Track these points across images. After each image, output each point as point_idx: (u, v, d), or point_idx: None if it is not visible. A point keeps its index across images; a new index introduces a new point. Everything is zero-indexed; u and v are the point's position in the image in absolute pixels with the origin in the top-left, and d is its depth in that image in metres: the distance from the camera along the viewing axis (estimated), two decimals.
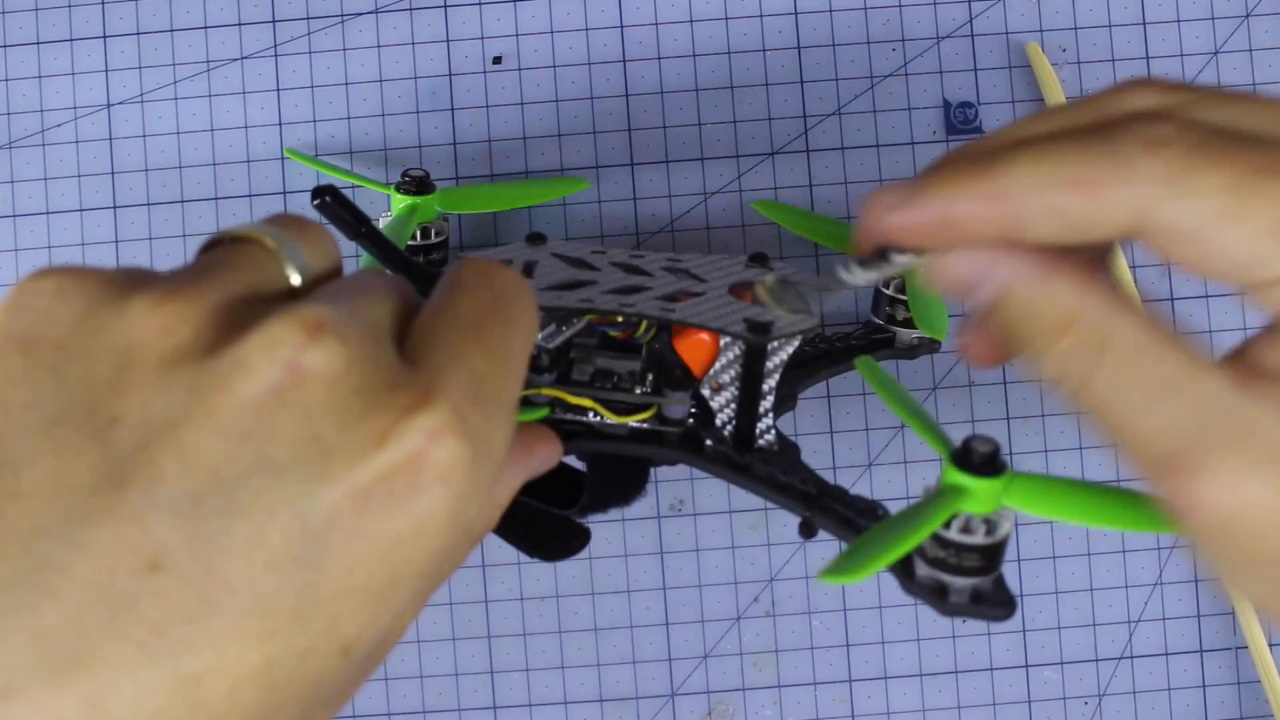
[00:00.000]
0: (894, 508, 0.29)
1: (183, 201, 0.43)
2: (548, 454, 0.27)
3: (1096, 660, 0.42)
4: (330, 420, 0.18)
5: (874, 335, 0.38)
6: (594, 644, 0.42)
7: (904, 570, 0.28)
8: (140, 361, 0.18)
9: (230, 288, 0.20)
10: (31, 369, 0.18)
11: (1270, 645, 0.40)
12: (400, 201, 0.39)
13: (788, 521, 0.42)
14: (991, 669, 0.42)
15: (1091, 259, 0.22)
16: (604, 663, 0.42)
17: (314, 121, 0.43)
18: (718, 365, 0.31)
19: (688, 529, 0.42)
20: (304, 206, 0.43)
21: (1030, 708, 0.42)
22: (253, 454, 0.18)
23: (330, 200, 0.30)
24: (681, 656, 0.42)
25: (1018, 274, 0.20)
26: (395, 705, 0.42)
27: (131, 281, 0.19)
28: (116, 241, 0.43)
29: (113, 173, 0.43)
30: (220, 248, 0.21)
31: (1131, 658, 0.42)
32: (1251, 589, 0.20)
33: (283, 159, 0.43)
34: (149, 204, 0.43)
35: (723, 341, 0.31)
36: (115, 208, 0.43)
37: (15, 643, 0.17)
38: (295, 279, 0.21)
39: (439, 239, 0.39)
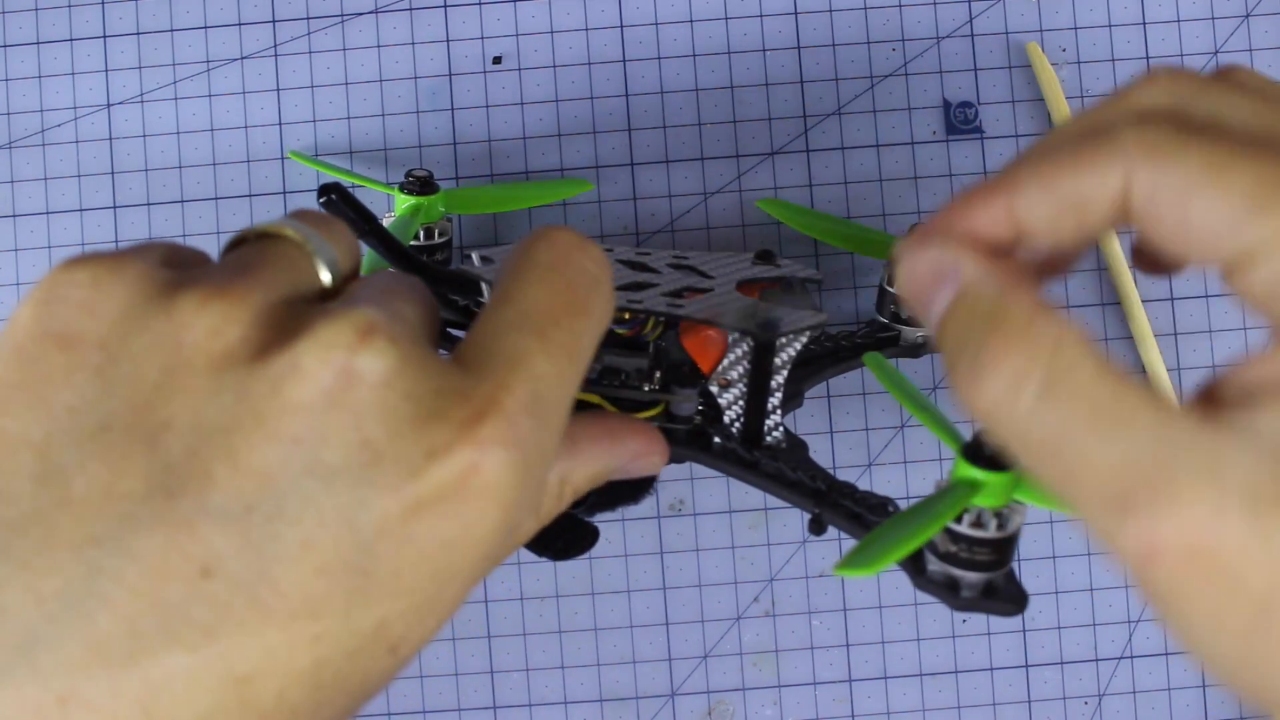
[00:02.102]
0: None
1: (183, 201, 0.43)
2: (649, 462, 0.25)
3: (1096, 660, 0.42)
4: (381, 425, 0.18)
5: (878, 334, 0.38)
6: (594, 644, 0.42)
7: (915, 566, 0.28)
8: (189, 364, 0.18)
9: (274, 286, 0.19)
10: (73, 368, 0.18)
11: None
12: (404, 202, 0.38)
13: (787, 521, 0.42)
14: (991, 669, 0.42)
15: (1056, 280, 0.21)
16: (604, 663, 0.42)
17: (314, 121, 0.43)
18: (726, 362, 0.31)
19: (688, 529, 0.42)
20: (304, 206, 0.43)
21: (1030, 708, 0.42)
22: (304, 459, 0.18)
23: (337, 198, 0.30)
24: (681, 656, 0.42)
25: (975, 274, 0.19)
26: (395, 705, 0.42)
27: (174, 276, 0.19)
28: (116, 241, 0.43)
29: (113, 173, 0.43)
30: (251, 244, 0.21)
31: (1131, 658, 0.42)
32: (1213, 641, 0.18)
33: (283, 159, 0.43)
34: (149, 204, 0.43)
35: (731, 338, 0.31)
36: (115, 208, 0.43)
37: (70, 650, 0.17)
38: (326, 277, 0.21)
39: (442, 239, 0.39)
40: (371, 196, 0.42)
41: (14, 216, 0.43)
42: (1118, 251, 0.42)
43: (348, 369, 0.18)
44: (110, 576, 0.17)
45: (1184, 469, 0.17)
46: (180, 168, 0.43)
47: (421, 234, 0.39)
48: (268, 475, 0.17)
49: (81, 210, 0.43)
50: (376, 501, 0.18)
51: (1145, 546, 0.17)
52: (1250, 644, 0.17)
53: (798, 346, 0.31)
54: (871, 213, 0.43)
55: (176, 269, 0.20)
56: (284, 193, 0.43)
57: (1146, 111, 0.19)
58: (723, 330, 0.31)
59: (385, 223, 0.39)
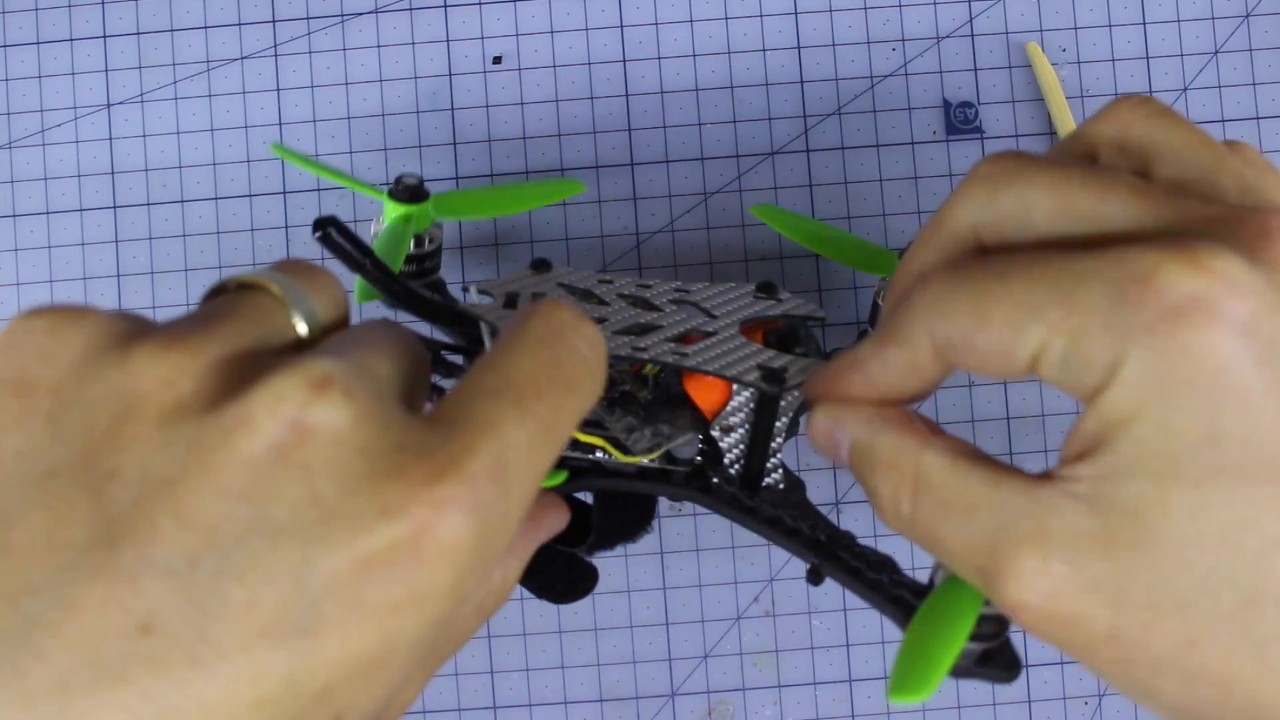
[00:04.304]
0: None
1: (183, 201, 0.43)
2: (555, 523, 0.26)
3: None
4: (333, 481, 0.17)
5: None
6: (594, 644, 0.42)
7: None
8: (140, 414, 0.18)
9: (235, 338, 0.19)
10: (25, 413, 0.18)
11: None
12: (394, 210, 0.37)
13: None
14: None
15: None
16: (604, 663, 0.42)
17: (314, 121, 0.43)
18: (729, 407, 0.31)
19: (688, 529, 0.42)
20: (303, 206, 0.43)
21: (1030, 708, 0.42)
22: (251, 514, 0.17)
23: (332, 232, 0.29)
24: (681, 656, 0.42)
25: (853, 429, 0.23)
26: None
27: (132, 328, 0.19)
28: (116, 241, 0.43)
29: (113, 173, 0.43)
30: (225, 295, 0.21)
31: None
32: (1102, 674, 0.21)
33: (283, 159, 0.43)
34: (149, 204, 0.43)
35: (735, 386, 0.31)
36: (115, 208, 0.43)
37: None
38: (302, 328, 0.21)
39: (432, 247, 0.38)
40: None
41: (14, 216, 0.43)
42: None
43: (299, 422, 0.17)
44: (45, 628, 0.16)
45: (1015, 538, 0.20)
46: (180, 168, 0.43)
47: (411, 242, 0.38)
48: (213, 530, 0.17)
49: (81, 210, 0.43)
50: (325, 560, 0.17)
51: (1008, 609, 0.20)
52: (1126, 672, 0.20)
53: (799, 392, 0.31)
54: (871, 213, 0.43)
55: (140, 326, 0.19)
56: (284, 193, 0.43)
57: (926, 269, 0.23)
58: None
59: (376, 230, 0.39)
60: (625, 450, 0.30)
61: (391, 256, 0.36)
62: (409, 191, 0.37)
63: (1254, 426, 0.18)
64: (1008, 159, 0.22)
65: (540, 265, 0.32)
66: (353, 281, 0.31)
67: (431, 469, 0.18)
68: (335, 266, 0.29)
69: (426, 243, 0.38)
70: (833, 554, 0.30)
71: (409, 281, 0.32)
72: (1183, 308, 0.18)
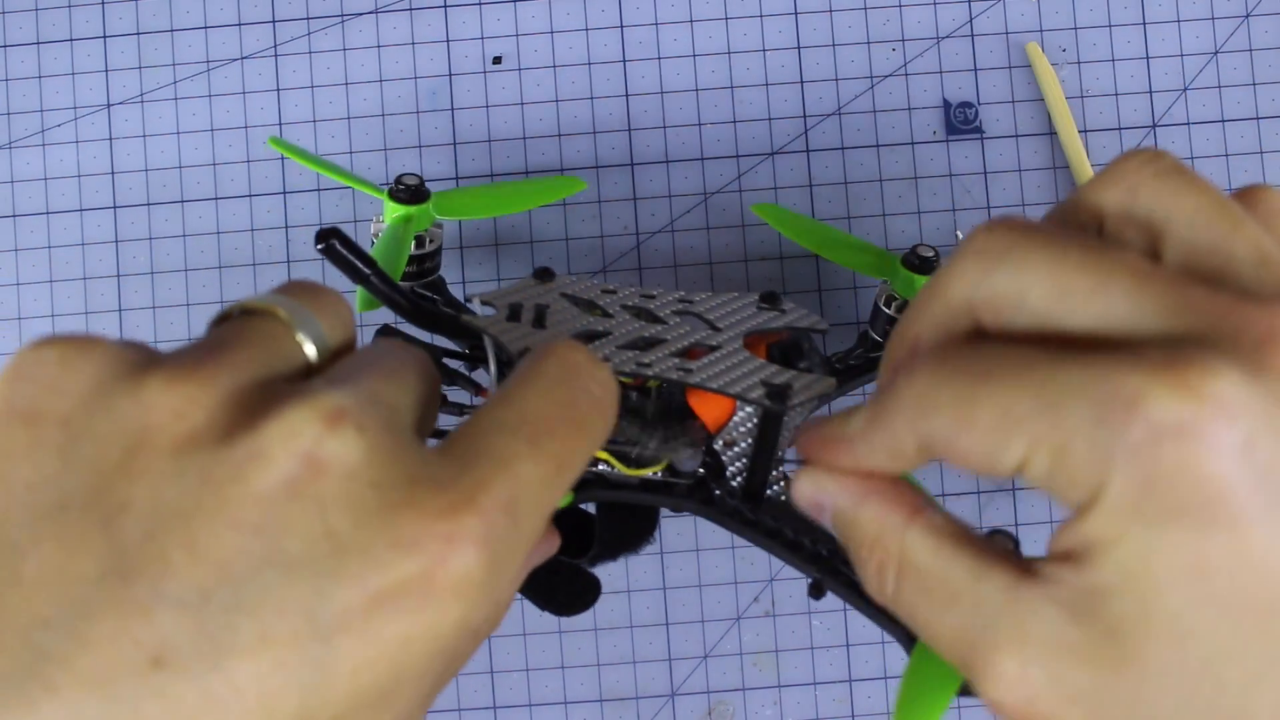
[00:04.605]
0: None
1: (183, 201, 0.43)
2: (546, 550, 0.26)
3: None
4: (346, 515, 0.17)
5: (872, 353, 0.38)
6: (594, 644, 0.42)
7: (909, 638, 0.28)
8: (152, 446, 0.18)
9: (245, 367, 0.19)
10: (35, 445, 0.18)
11: None
12: (394, 210, 0.37)
13: None
14: None
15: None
16: (604, 663, 0.42)
17: (314, 121, 0.43)
18: (733, 421, 0.31)
19: (688, 529, 0.42)
20: (303, 206, 0.43)
21: None
22: (264, 548, 0.17)
23: (335, 244, 0.29)
24: (681, 656, 0.42)
25: (838, 500, 0.23)
26: None
27: (141, 358, 0.19)
28: (116, 241, 0.43)
29: (113, 173, 0.43)
30: (233, 321, 0.21)
31: None
32: None
33: (283, 159, 0.43)
34: (149, 204, 0.43)
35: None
36: (115, 208, 0.43)
37: None
38: (311, 352, 0.21)
39: (432, 247, 0.38)
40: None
41: (14, 216, 0.43)
42: None
43: (313, 456, 0.18)
44: (57, 661, 0.16)
45: (995, 637, 0.20)
46: (180, 168, 0.43)
47: (412, 242, 0.38)
48: (226, 564, 0.17)
49: (81, 210, 0.43)
50: (338, 594, 0.17)
51: (987, 703, 0.20)
52: None
53: (806, 409, 0.31)
54: (871, 213, 0.43)
55: (150, 356, 0.19)
56: (284, 193, 0.43)
57: (921, 341, 0.22)
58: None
59: (376, 230, 0.39)
60: (629, 463, 0.30)
61: (393, 260, 0.36)
62: (409, 191, 0.37)
63: (1242, 557, 0.18)
64: (1003, 231, 0.21)
65: (543, 274, 0.32)
66: (354, 291, 0.31)
67: (444, 503, 0.18)
68: (335, 274, 0.29)
69: (427, 243, 0.38)
70: (834, 568, 0.30)
71: (412, 289, 0.32)
72: (1168, 433, 0.17)
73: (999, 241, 0.21)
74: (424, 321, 0.31)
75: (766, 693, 0.42)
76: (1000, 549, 0.21)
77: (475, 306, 0.30)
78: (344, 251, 0.29)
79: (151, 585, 0.17)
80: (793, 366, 0.29)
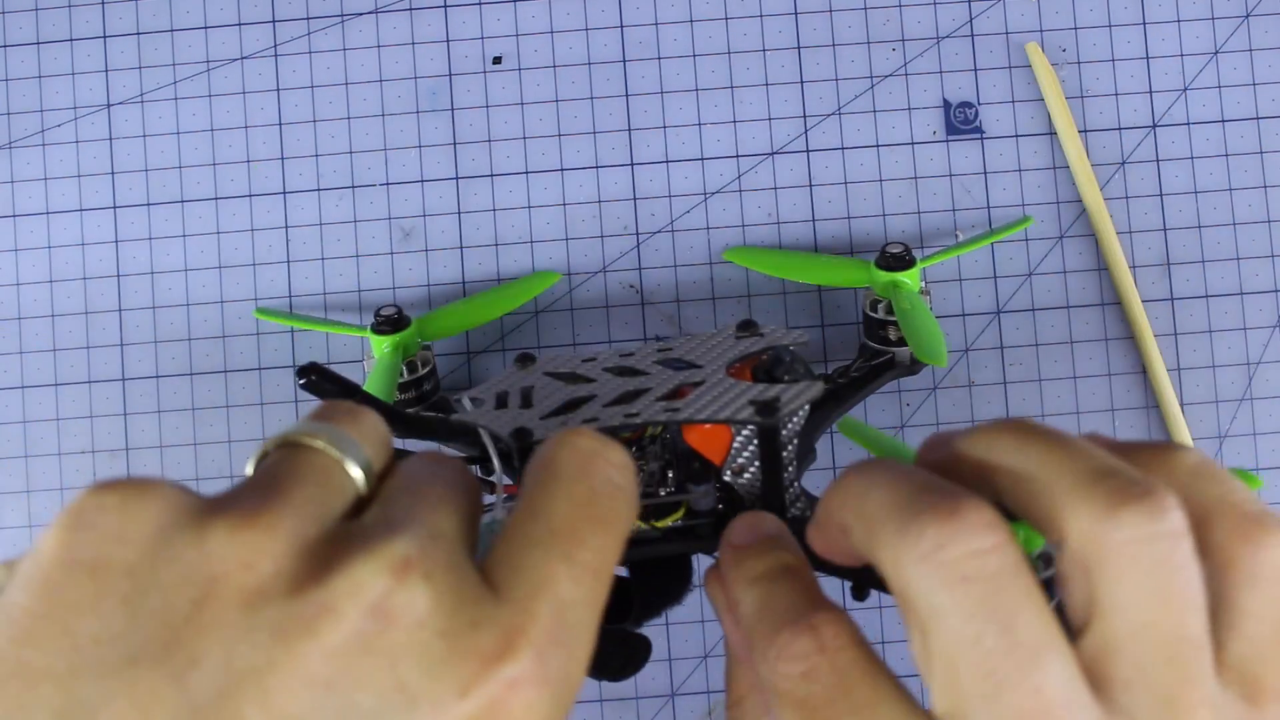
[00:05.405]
0: None
1: (183, 201, 0.43)
2: None
3: None
4: (416, 667, 0.18)
5: (873, 361, 0.38)
6: None
7: None
8: (221, 598, 0.18)
9: (305, 508, 0.19)
10: (100, 597, 0.17)
11: None
12: (381, 343, 0.39)
13: None
14: None
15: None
16: None
17: (314, 121, 0.43)
18: (734, 448, 0.31)
19: None
20: (303, 206, 0.43)
21: None
22: (338, 704, 0.17)
23: (316, 379, 0.30)
24: (681, 656, 0.42)
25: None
26: None
27: (203, 504, 0.19)
28: (116, 241, 0.43)
29: (113, 173, 0.43)
30: (281, 456, 0.21)
31: None
32: None
33: (282, 159, 0.43)
34: (149, 204, 0.43)
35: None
36: (115, 208, 0.43)
37: None
38: (359, 478, 0.21)
39: (425, 369, 0.39)
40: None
41: (14, 216, 0.43)
42: (1118, 251, 0.42)
43: (383, 609, 0.18)
44: None
45: None
46: (180, 168, 0.43)
47: (405, 370, 0.39)
48: (300, 719, 0.17)
49: (81, 210, 0.43)
50: None
51: None
52: None
53: (801, 415, 0.31)
54: (871, 213, 0.43)
55: (210, 501, 0.19)
56: (283, 193, 0.43)
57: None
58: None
59: (369, 367, 0.40)
60: (648, 517, 0.30)
61: (387, 386, 0.37)
62: (390, 323, 0.39)
63: None
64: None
65: (524, 360, 0.33)
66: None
67: (500, 643, 0.18)
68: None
69: (420, 366, 0.39)
70: (871, 574, 0.30)
71: (404, 410, 0.33)
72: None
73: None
74: (418, 432, 0.32)
75: None
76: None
77: (465, 404, 0.30)
78: (324, 384, 0.31)
79: None
80: (777, 380, 0.29)
